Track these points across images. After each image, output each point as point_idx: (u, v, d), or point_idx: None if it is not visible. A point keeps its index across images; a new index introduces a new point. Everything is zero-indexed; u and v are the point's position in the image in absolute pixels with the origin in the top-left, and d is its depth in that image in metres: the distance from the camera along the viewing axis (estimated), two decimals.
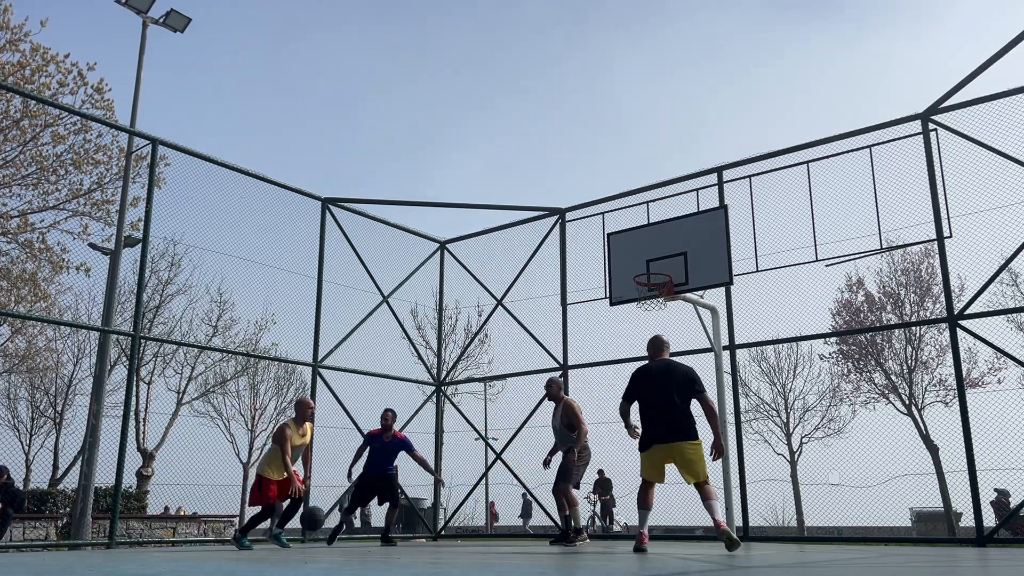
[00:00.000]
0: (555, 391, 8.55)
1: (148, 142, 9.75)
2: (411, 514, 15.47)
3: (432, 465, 9.91)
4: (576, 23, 78.96)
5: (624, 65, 73.62)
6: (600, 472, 17.09)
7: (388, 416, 9.23)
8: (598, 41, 77.72)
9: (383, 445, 9.10)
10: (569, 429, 8.16)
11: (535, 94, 72.96)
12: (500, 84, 77.06)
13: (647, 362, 6.75)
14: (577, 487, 8.34)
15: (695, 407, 6.47)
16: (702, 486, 6.25)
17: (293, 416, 8.24)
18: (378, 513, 21.91)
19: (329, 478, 11.23)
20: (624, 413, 6.65)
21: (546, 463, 8.63)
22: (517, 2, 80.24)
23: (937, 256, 9.02)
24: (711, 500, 6.18)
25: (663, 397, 6.37)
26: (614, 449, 11.57)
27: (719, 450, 6.33)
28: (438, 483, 9.84)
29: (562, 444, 8.28)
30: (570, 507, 8.06)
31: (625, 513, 17.23)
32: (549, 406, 11.55)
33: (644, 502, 6.44)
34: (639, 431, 6.55)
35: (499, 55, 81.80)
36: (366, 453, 9.14)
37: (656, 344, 6.77)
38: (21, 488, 12.80)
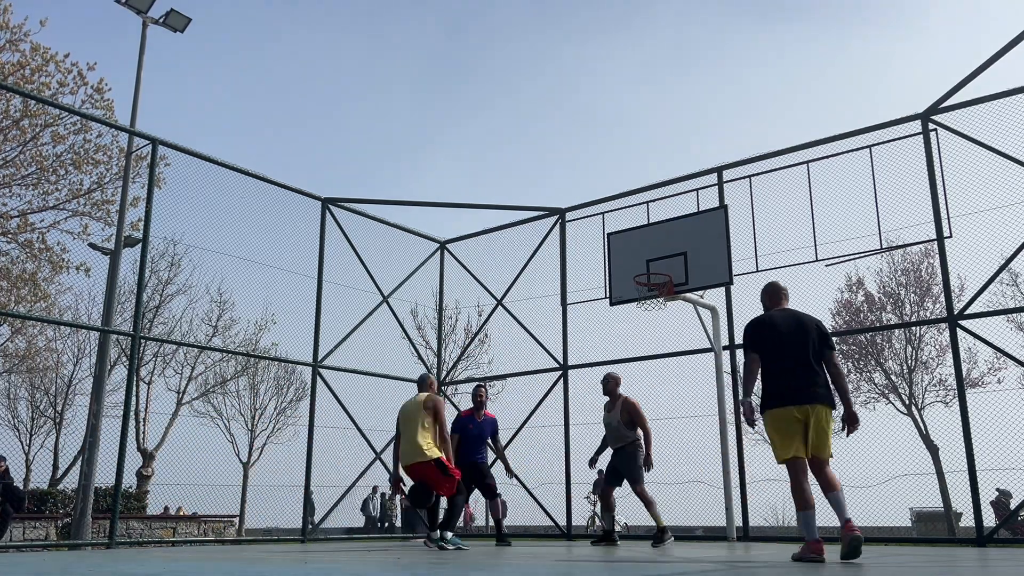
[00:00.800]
0: (613, 387, 8.33)
1: (148, 142, 9.74)
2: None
3: None
4: (575, 23, 78.99)
5: (624, 65, 73.63)
6: (600, 472, 17.05)
7: (482, 392, 8.58)
8: (597, 41, 77.75)
9: (477, 425, 8.46)
10: (628, 427, 8.08)
11: (535, 94, 73.00)
12: (500, 84, 77.08)
13: (766, 312, 5.63)
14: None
15: None
16: (826, 469, 5.06)
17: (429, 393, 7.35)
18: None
19: (330, 479, 11.23)
20: (752, 375, 5.33)
21: (593, 462, 8.54)
22: (518, 2, 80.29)
23: (937, 256, 9.03)
24: (838, 492, 4.96)
25: (796, 352, 5.21)
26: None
27: (854, 421, 5.13)
28: (510, 474, 8.75)
29: (616, 442, 8.15)
30: (651, 505, 7.83)
31: (625, 513, 17.20)
32: (550, 406, 11.62)
33: (804, 498, 5.02)
34: (757, 414, 5.29)
35: (499, 55, 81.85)
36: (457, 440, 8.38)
37: (774, 291, 5.67)
38: (20, 487, 12.78)
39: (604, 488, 8.20)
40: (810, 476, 5.09)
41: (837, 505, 4.93)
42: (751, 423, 5.27)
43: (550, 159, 66.34)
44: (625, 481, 8.00)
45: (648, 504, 7.81)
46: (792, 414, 5.06)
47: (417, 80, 75.72)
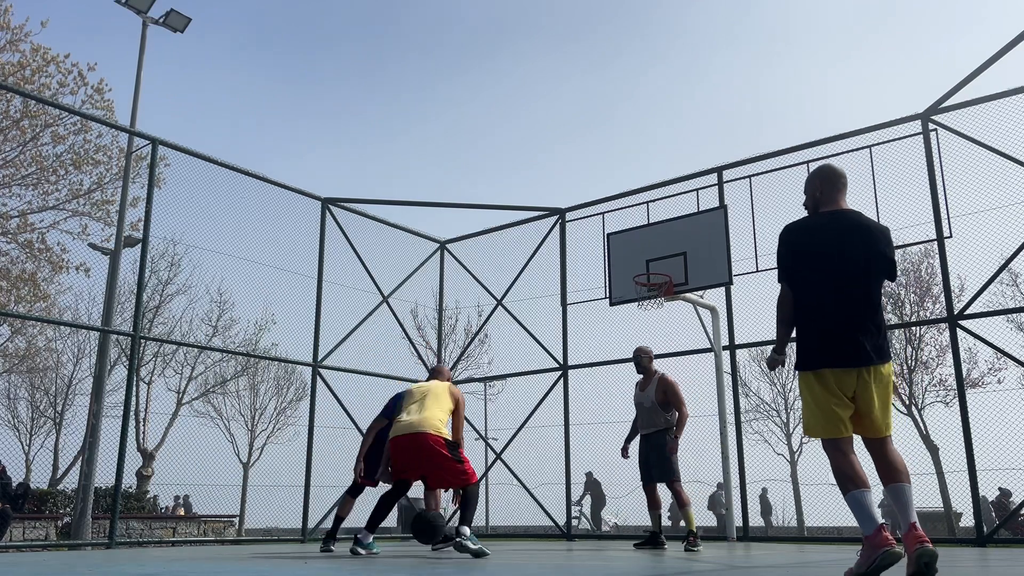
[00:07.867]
0: (647, 362, 7.63)
1: (148, 142, 9.74)
2: (411, 514, 15.48)
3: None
4: (575, 22, 79.02)
5: (624, 64, 73.66)
6: (588, 475, 16.98)
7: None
8: (597, 40, 77.78)
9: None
10: (663, 408, 7.41)
11: (535, 93, 73.00)
12: (500, 83, 77.11)
13: (811, 215, 3.95)
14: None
15: None
16: (888, 450, 3.54)
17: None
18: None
19: (330, 479, 11.23)
20: (785, 317, 3.86)
21: (625, 451, 7.65)
22: (520, 3, 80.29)
23: (937, 256, 9.03)
24: (906, 483, 3.42)
25: (851, 278, 3.64)
26: (609, 450, 11.56)
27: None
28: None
29: (647, 426, 7.46)
30: (685, 506, 7.21)
31: (626, 513, 17.19)
32: (550, 407, 11.60)
33: (853, 475, 3.44)
34: (783, 359, 3.98)
35: (498, 55, 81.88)
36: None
37: (830, 180, 3.86)
38: (17, 486, 12.75)
39: (646, 485, 7.45)
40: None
41: (901, 502, 3.40)
42: (772, 370, 4.05)
43: (550, 159, 66.33)
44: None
45: (682, 504, 7.25)
46: (843, 380, 3.55)
47: (418, 80, 75.77)
